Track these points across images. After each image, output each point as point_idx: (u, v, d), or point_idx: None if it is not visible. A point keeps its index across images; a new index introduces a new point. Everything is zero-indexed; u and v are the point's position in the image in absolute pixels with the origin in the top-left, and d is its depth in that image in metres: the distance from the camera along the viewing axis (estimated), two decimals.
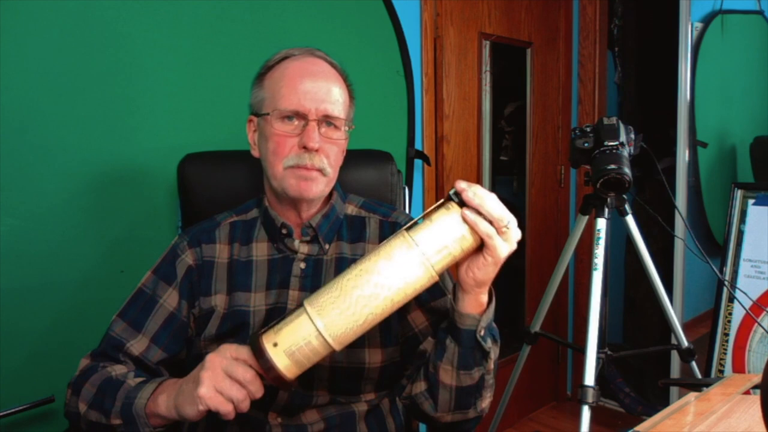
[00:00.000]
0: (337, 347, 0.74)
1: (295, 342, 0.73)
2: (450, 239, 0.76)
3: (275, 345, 0.73)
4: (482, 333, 0.85)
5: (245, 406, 0.75)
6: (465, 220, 0.75)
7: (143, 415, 0.83)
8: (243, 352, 0.76)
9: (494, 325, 0.88)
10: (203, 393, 0.74)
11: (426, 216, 0.78)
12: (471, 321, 0.84)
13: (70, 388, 0.92)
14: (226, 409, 0.74)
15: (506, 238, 0.78)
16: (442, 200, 0.78)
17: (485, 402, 0.91)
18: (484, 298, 0.84)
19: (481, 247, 0.78)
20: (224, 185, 1.20)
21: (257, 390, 0.76)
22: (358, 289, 0.73)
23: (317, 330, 0.72)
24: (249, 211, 1.05)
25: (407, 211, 1.43)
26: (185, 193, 1.20)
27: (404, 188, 1.36)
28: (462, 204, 0.76)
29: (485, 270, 0.79)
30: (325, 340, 0.73)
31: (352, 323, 0.73)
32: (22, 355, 1.24)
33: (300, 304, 0.75)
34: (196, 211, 1.19)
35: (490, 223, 0.76)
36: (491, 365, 0.89)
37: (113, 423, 0.85)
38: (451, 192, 0.77)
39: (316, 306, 0.73)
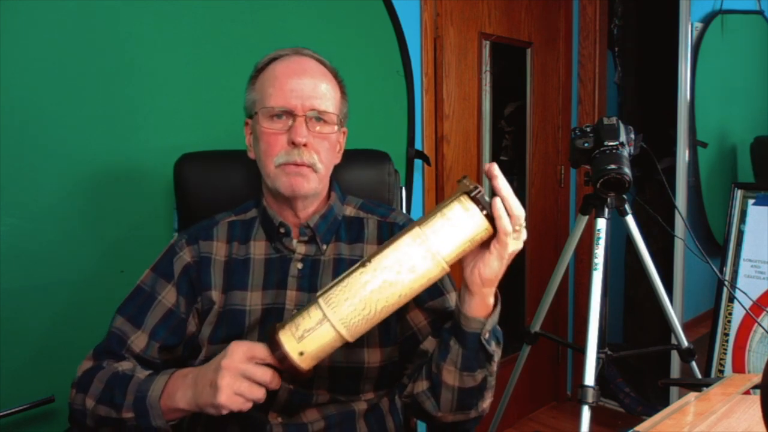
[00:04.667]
0: (351, 339, 0.77)
1: (311, 337, 0.76)
2: (463, 233, 0.75)
3: (292, 341, 0.76)
4: (487, 336, 0.84)
5: (263, 399, 0.79)
6: (492, 210, 0.74)
7: (157, 407, 0.83)
8: (258, 350, 0.78)
9: (498, 327, 0.88)
10: (224, 401, 0.77)
11: (439, 209, 0.77)
12: (476, 324, 0.84)
13: (74, 387, 0.93)
14: (246, 407, 0.79)
15: (517, 236, 0.77)
16: (456, 194, 0.77)
17: (486, 402, 0.92)
18: (491, 300, 0.84)
19: (486, 243, 0.78)
20: (221, 185, 1.20)
21: (276, 385, 0.79)
22: (370, 284, 0.75)
23: (332, 325, 0.75)
24: (248, 211, 1.05)
25: (405, 211, 1.43)
26: (181, 193, 1.20)
27: (401, 188, 1.36)
28: (470, 195, 0.75)
29: (491, 266, 0.78)
30: (340, 334, 0.76)
31: (365, 317, 0.76)
32: (22, 355, 1.24)
33: (314, 300, 0.78)
34: (192, 211, 1.18)
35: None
36: (494, 367, 0.89)
37: (125, 416, 0.85)
38: (466, 182, 0.76)
39: (331, 303, 0.76)
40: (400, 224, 1.03)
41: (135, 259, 1.33)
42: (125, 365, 0.92)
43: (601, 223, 1.54)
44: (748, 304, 1.84)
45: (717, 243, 2.30)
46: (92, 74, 1.29)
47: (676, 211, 1.98)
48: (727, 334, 1.92)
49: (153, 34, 1.36)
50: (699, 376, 1.79)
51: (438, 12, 1.98)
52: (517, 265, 2.46)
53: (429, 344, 0.95)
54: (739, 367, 1.90)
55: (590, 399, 1.43)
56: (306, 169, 0.94)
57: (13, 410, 1.20)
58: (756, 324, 1.85)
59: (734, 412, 0.83)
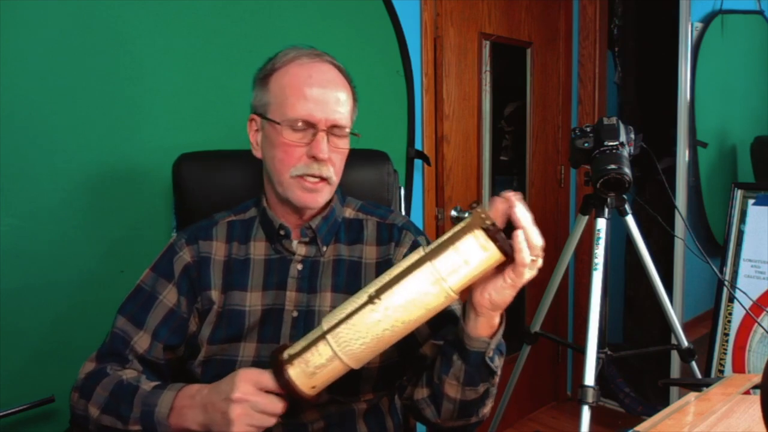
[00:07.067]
0: (357, 367, 0.79)
1: (317, 368, 0.77)
2: (477, 269, 0.74)
3: (303, 377, 0.78)
4: (491, 354, 0.84)
5: (274, 423, 0.81)
6: (514, 242, 0.73)
7: (165, 424, 0.83)
8: (266, 379, 0.79)
9: (502, 340, 0.88)
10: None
11: (451, 241, 0.75)
12: (480, 344, 0.83)
13: (76, 391, 0.92)
14: None
15: (533, 265, 0.76)
16: (465, 220, 0.76)
17: (487, 408, 0.92)
18: (497, 320, 0.83)
19: (499, 269, 0.77)
20: (219, 185, 1.20)
21: (284, 411, 0.81)
22: (383, 323, 0.76)
23: (343, 361, 0.77)
24: (247, 211, 1.05)
25: (403, 211, 1.43)
26: (180, 193, 1.20)
27: (400, 188, 1.36)
28: (487, 232, 0.73)
29: (503, 293, 0.78)
30: (346, 363, 0.77)
31: (370, 346, 0.77)
32: (22, 355, 1.24)
33: (319, 328, 0.78)
34: (191, 211, 1.18)
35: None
36: (496, 379, 0.89)
37: (132, 429, 0.86)
38: (480, 212, 0.73)
39: (342, 341, 0.76)
40: (399, 225, 1.03)
41: (135, 259, 1.33)
42: (129, 373, 0.91)
43: (601, 223, 1.54)
44: (748, 304, 1.84)
45: (717, 243, 2.30)
46: (92, 74, 1.28)
47: (676, 211, 1.98)
48: (727, 334, 1.92)
49: (153, 34, 1.36)
50: (699, 376, 1.79)
51: (438, 12, 1.98)
52: None
53: (428, 349, 0.95)
54: (739, 367, 1.90)
55: (590, 399, 1.43)
56: (321, 184, 0.95)
57: (13, 410, 1.20)
58: (756, 324, 1.85)
59: (734, 412, 0.82)
